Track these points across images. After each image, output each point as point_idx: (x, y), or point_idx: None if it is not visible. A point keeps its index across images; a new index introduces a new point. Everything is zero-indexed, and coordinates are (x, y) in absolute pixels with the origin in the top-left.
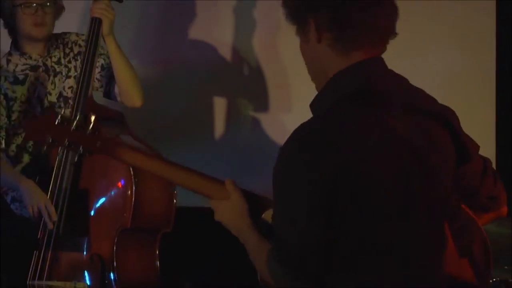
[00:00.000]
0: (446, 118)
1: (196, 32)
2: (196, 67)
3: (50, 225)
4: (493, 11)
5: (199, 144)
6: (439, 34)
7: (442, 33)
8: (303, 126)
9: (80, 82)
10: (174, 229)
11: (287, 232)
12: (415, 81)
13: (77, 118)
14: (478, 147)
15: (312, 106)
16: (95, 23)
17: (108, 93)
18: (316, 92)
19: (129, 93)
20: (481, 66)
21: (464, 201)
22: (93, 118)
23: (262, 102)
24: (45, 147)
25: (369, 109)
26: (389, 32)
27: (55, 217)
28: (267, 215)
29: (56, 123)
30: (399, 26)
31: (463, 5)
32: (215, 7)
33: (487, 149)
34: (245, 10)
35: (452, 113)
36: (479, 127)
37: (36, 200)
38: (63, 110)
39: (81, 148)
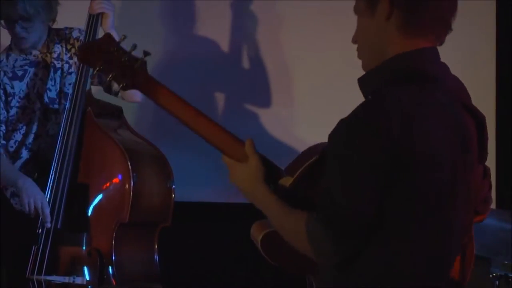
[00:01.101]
0: (482, 120)
1: (197, 27)
2: (196, 62)
3: (47, 225)
4: (493, 12)
5: (199, 139)
6: None
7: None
8: (366, 103)
9: (78, 77)
10: (173, 223)
11: (339, 194)
12: None
13: (129, 51)
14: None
15: (363, 81)
16: (93, 19)
17: (109, 88)
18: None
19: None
20: (481, 66)
21: None
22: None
23: (264, 97)
24: (94, 72)
25: (425, 91)
26: (449, 27)
27: (47, 219)
28: (283, 182)
29: (111, 50)
30: None
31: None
32: (217, 2)
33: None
34: (246, 5)
35: (484, 117)
36: None
37: (34, 198)
38: (121, 37)
39: (124, 82)
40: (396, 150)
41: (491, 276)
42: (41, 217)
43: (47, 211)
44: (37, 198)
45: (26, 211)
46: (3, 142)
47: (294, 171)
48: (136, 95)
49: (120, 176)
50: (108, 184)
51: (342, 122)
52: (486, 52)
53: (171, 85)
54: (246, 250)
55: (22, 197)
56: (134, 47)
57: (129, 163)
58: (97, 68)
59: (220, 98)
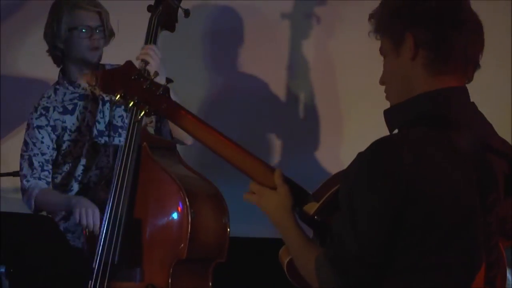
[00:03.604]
0: (509, 157)
1: (246, 62)
2: (248, 98)
3: (96, 232)
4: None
5: None
6: None
7: None
8: (381, 140)
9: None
10: (228, 259)
11: (351, 238)
12: None
13: (151, 77)
14: None
15: (388, 115)
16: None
17: (159, 130)
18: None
19: (182, 132)
20: (497, 70)
21: None
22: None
23: (314, 130)
24: (116, 99)
25: (444, 134)
26: (477, 63)
27: (96, 231)
28: (308, 208)
29: (132, 78)
30: None
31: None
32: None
33: None
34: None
35: (511, 148)
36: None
37: (85, 208)
38: (142, 65)
39: (147, 108)
40: (409, 194)
41: None
42: (97, 248)
43: (98, 222)
44: (88, 207)
45: (76, 221)
46: (49, 181)
47: (320, 197)
48: (187, 137)
49: (178, 212)
50: (165, 220)
51: (359, 157)
52: (501, 54)
53: (220, 122)
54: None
55: (75, 210)
56: (156, 74)
57: (187, 200)
58: (118, 95)
59: (271, 133)
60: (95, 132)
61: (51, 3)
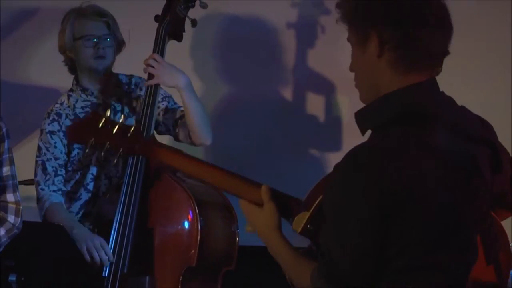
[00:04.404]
0: (489, 140)
1: (252, 70)
2: (254, 107)
3: (110, 258)
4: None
5: (269, 183)
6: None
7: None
8: (357, 149)
9: (142, 123)
10: (237, 267)
11: (338, 253)
12: None
13: (120, 121)
14: (509, 155)
15: (359, 117)
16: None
17: (177, 137)
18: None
19: (200, 134)
20: (497, 68)
21: (494, 203)
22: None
23: (320, 137)
24: (87, 149)
25: (421, 132)
26: (446, 53)
27: (110, 257)
28: (299, 219)
29: (100, 125)
30: None
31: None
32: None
33: None
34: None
35: (491, 128)
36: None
37: (91, 243)
38: (107, 113)
39: (121, 150)
40: (394, 201)
41: None
42: (101, 257)
43: (107, 248)
44: (94, 240)
45: (87, 260)
46: (64, 188)
47: (309, 206)
48: (206, 138)
49: (187, 221)
50: (175, 228)
51: (338, 170)
52: (502, 52)
53: (230, 127)
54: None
55: (80, 246)
56: (126, 116)
57: (196, 208)
58: (90, 144)
59: (282, 139)
60: None
61: (54, 10)
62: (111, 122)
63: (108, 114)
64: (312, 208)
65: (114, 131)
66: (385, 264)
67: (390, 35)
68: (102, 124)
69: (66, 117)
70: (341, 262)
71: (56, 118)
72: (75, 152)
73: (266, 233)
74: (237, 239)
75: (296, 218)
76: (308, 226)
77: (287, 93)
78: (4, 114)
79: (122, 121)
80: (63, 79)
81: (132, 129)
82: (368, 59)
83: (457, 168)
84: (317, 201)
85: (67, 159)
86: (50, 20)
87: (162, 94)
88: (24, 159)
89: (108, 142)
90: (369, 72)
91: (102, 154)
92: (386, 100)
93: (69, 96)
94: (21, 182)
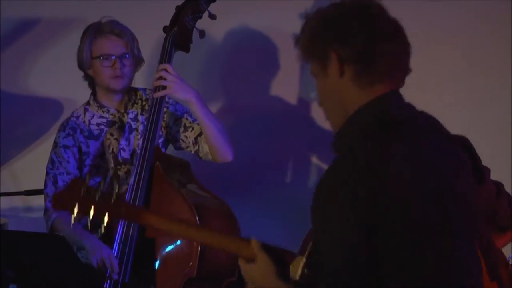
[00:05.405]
0: (465, 143)
1: (260, 79)
2: (262, 116)
3: (115, 276)
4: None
5: (266, 192)
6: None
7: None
8: (336, 166)
9: (147, 133)
10: (240, 278)
11: (333, 267)
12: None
13: (101, 187)
14: (489, 170)
15: (335, 144)
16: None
17: (197, 154)
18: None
19: (220, 150)
20: (497, 68)
21: (488, 224)
22: (116, 186)
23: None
24: (74, 218)
25: (397, 136)
26: (407, 68)
27: (116, 270)
28: (295, 264)
29: (82, 194)
30: None
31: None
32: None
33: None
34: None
35: (467, 138)
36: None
37: (101, 254)
38: (86, 181)
39: (106, 215)
40: (371, 212)
41: None
42: (109, 269)
43: (115, 261)
44: (103, 252)
45: (96, 266)
46: None
47: (304, 250)
48: (227, 155)
49: None
50: (175, 239)
51: (320, 189)
52: (502, 52)
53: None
54: None
55: (90, 257)
56: (108, 184)
57: (197, 219)
58: (75, 212)
59: (288, 150)
60: (119, 159)
61: (54, 21)
62: (92, 189)
63: (87, 182)
64: (308, 251)
65: (97, 198)
66: (380, 267)
67: (346, 52)
68: (83, 192)
69: (81, 132)
70: (340, 279)
71: (71, 132)
72: (86, 170)
73: (267, 283)
74: None
75: (292, 264)
76: (305, 270)
77: (293, 100)
78: (4, 124)
79: (101, 188)
80: (63, 89)
81: (115, 194)
82: (331, 82)
83: (438, 170)
84: (311, 244)
85: (79, 175)
86: (50, 30)
87: (180, 110)
88: (24, 170)
89: (92, 209)
90: (335, 96)
91: (89, 223)
92: (353, 119)
93: (85, 110)
94: (21, 193)
